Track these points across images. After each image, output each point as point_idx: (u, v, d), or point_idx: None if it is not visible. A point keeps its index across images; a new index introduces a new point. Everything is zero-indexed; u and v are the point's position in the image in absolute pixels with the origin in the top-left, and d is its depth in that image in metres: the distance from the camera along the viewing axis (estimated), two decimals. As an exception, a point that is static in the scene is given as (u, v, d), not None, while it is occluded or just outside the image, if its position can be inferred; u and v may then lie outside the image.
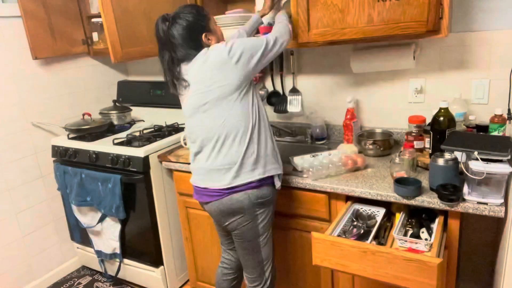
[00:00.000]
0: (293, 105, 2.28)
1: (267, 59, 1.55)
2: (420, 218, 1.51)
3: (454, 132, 1.61)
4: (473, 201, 1.38)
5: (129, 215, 2.29)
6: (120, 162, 2.18)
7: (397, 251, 1.25)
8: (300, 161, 1.81)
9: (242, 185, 1.51)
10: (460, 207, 1.39)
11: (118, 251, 2.39)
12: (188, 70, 1.55)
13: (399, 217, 1.50)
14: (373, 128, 2.11)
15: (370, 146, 1.90)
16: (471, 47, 1.79)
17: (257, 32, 1.99)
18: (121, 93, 2.91)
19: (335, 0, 1.65)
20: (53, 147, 2.48)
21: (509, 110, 1.63)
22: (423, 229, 1.43)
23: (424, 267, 1.19)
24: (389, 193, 1.52)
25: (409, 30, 1.56)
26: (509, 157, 1.32)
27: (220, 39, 1.62)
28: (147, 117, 2.81)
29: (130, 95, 2.87)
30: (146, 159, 2.13)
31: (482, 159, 1.33)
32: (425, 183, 1.52)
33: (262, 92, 2.37)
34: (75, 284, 2.61)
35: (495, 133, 1.64)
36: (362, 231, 1.49)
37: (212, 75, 1.49)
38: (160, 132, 2.44)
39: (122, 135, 2.42)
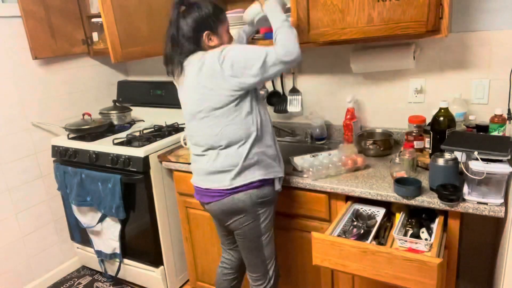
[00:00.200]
0: (293, 105, 2.28)
1: (266, 77, 1.42)
2: (420, 218, 1.51)
3: (454, 132, 1.61)
4: (473, 201, 1.38)
5: (129, 215, 2.29)
6: (120, 162, 2.18)
7: (397, 251, 1.25)
8: (300, 161, 1.82)
9: (243, 186, 1.51)
10: (460, 207, 1.39)
11: (118, 251, 2.39)
12: (185, 70, 1.54)
13: (399, 217, 1.50)
14: (373, 128, 2.11)
15: (370, 146, 1.90)
16: (471, 47, 1.79)
17: (257, 32, 1.98)
18: (121, 93, 2.91)
19: (335, 0, 1.65)
20: (53, 147, 2.48)
21: (509, 110, 1.63)
22: (423, 229, 1.43)
23: (424, 267, 1.19)
24: (389, 193, 1.52)
25: (409, 30, 1.56)
26: (509, 157, 1.31)
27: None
28: (147, 117, 2.81)
29: (130, 95, 2.87)
30: (146, 159, 2.13)
31: (482, 159, 1.33)
32: (425, 183, 1.52)
33: (262, 92, 2.36)
34: (75, 284, 2.60)
35: (495, 133, 1.64)
36: (362, 231, 1.49)
37: (206, 83, 1.46)
38: (160, 132, 2.44)
39: (122, 135, 2.42)
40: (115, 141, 2.30)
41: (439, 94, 1.91)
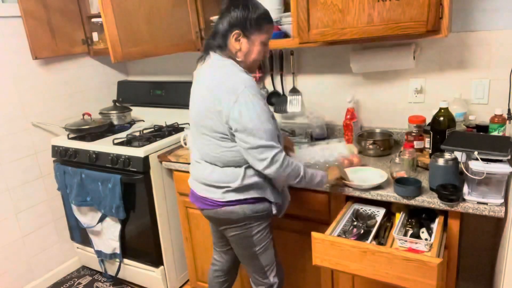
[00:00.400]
0: (293, 105, 2.28)
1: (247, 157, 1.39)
2: (420, 218, 1.51)
3: (454, 132, 1.61)
4: (473, 201, 1.38)
5: (129, 215, 2.29)
6: (120, 162, 2.18)
7: (397, 251, 1.25)
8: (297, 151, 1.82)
9: (236, 200, 1.47)
10: (460, 207, 1.39)
11: (118, 251, 2.39)
12: (203, 68, 1.49)
13: (399, 217, 1.50)
14: (373, 128, 2.11)
15: (370, 146, 1.90)
16: (471, 47, 1.79)
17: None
18: (121, 93, 2.91)
19: (335, 0, 1.65)
20: (53, 147, 2.48)
21: (509, 110, 1.63)
22: (423, 229, 1.43)
23: (424, 267, 1.19)
24: (389, 193, 1.52)
25: (409, 30, 1.55)
26: (509, 157, 1.32)
27: (248, 57, 1.45)
28: (147, 117, 2.81)
29: (130, 95, 2.87)
30: (146, 159, 2.13)
31: (482, 159, 1.33)
32: (425, 183, 1.52)
33: (262, 92, 2.37)
34: (75, 284, 2.60)
35: (495, 133, 1.64)
36: (362, 231, 1.49)
37: (211, 106, 1.40)
38: (160, 132, 2.44)
39: (122, 135, 2.42)
40: (115, 141, 2.30)
41: (439, 94, 1.91)
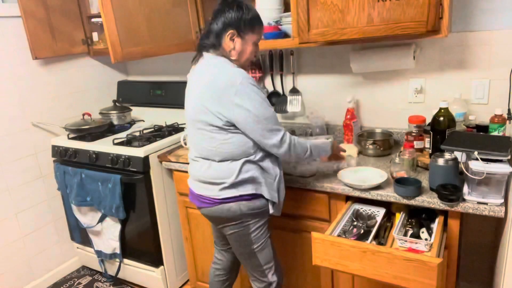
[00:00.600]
0: (293, 105, 2.28)
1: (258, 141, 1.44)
2: (420, 218, 1.51)
3: (454, 132, 1.61)
4: (473, 201, 1.38)
5: (129, 215, 2.29)
6: (120, 162, 2.18)
7: (397, 251, 1.25)
8: None
9: (232, 197, 1.48)
10: (460, 207, 1.39)
11: (118, 251, 2.39)
12: (197, 68, 1.51)
13: (399, 217, 1.50)
14: (373, 128, 2.11)
15: (370, 146, 1.90)
16: (471, 47, 1.79)
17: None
18: (121, 93, 2.91)
19: (335, 0, 1.65)
20: (53, 147, 2.48)
21: (509, 110, 1.63)
22: (423, 229, 1.43)
23: (424, 267, 1.19)
24: (389, 193, 1.52)
25: (409, 30, 1.55)
26: (509, 157, 1.32)
27: (241, 56, 1.49)
28: (147, 117, 2.81)
29: (130, 95, 2.87)
30: (146, 159, 2.13)
31: (482, 159, 1.33)
32: (425, 183, 1.52)
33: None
34: (75, 284, 2.60)
35: (495, 133, 1.64)
36: (362, 231, 1.49)
37: (209, 101, 1.42)
38: (160, 132, 2.44)
39: (122, 135, 2.42)
40: (115, 141, 2.30)
41: (439, 94, 1.91)
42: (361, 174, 1.68)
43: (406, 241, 1.36)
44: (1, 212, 2.33)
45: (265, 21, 1.88)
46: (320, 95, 2.24)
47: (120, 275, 2.51)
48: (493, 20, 1.72)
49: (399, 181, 1.50)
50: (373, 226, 1.48)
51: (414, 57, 1.86)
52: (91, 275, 2.69)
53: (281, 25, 1.98)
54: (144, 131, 2.49)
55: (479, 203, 1.37)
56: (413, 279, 1.22)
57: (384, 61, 1.92)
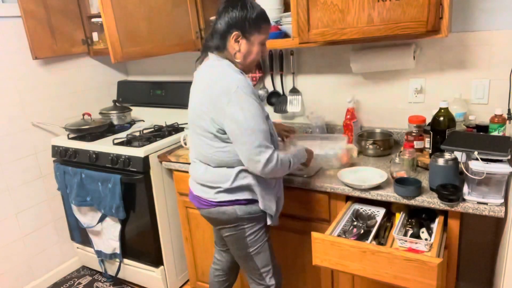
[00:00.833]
0: (293, 105, 2.28)
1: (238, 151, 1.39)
2: (420, 218, 1.51)
3: (454, 132, 1.61)
4: (473, 201, 1.38)
5: (129, 215, 2.29)
6: (120, 162, 2.18)
7: (397, 251, 1.25)
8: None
9: (228, 201, 1.48)
10: (460, 207, 1.39)
11: (118, 251, 2.39)
12: (201, 68, 1.50)
13: (399, 217, 1.50)
14: (373, 128, 2.11)
15: (370, 146, 1.90)
16: (471, 47, 1.79)
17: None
18: (121, 93, 2.91)
19: (335, 0, 1.65)
20: (53, 147, 2.48)
21: (509, 110, 1.63)
22: (423, 229, 1.43)
23: (424, 267, 1.19)
24: (389, 193, 1.52)
25: (409, 30, 1.55)
26: (509, 157, 1.32)
27: (247, 58, 1.44)
28: (147, 117, 2.81)
29: (130, 95, 2.87)
30: (146, 159, 2.13)
31: (482, 159, 1.33)
32: (425, 183, 1.52)
33: (262, 92, 2.37)
34: (75, 284, 2.60)
35: (495, 133, 1.64)
36: (362, 231, 1.49)
37: (204, 107, 1.41)
38: (160, 132, 2.44)
39: (122, 135, 2.42)
40: (115, 141, 2.30)
41: (439, 94, 1.91)
42: (361, 174, 1.68)
43: (406, 241, 1.36)
44: (1, 212, 2.32)
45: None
46: (320, 95, 2.24)
47: (120, 275, 2.51)
48: (493, 20, 1.72)
49: (399, 181, 1.50)
50: (373, 226, 1.48)
51: (414, 57, 1.86)
52: (91, 275, 2.69)
53: (281, 25, 1.98)
54: (144, 131, 2.49)
55: (479, 203, 1.37)
56: (413, 279, 1.22)
57: (384, 61, 1.92)
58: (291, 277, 1.96)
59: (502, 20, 1.70)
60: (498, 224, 1.73)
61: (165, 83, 2.73)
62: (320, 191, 1.68)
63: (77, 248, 2.71)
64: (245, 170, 1.44)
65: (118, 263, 2.46)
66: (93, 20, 2.61)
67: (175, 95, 2.64)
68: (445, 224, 1.46)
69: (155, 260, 2.32)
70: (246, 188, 1.46)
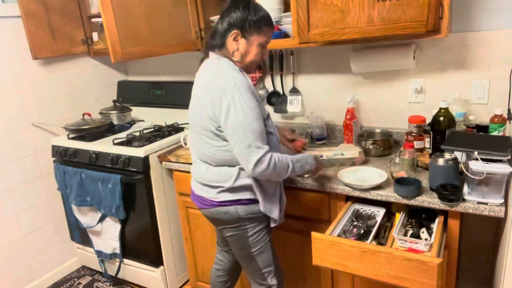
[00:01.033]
0: (293, 105, 2.28)
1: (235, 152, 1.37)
2: (420, 218, 1.51)
3: (454, 132, 1.61)
4: (473, 201, 1.38)
5: (129, 215, 2.29)
6: (120, 162, 2.18)
7: (397, 251, 1.25)
8: None
9: (230, 201, 1.47)
10: (460, 207, 1.39)
11: (118, 251, 2.39)
12: (202, 68, 1.51)
13: (399, 217, 1.50)
14: (373, 128, 2.11)
15: (370, 146, 1.90)
16: (471, 47, 1.79)
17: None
18: (121, 93, 2.91)
19: (335, 0, 1.65)
20: (53, 147, 2.48)
21: (509, 110, 1.63)
22: (423, 229, 1.43)
23: (424, 267, 1.19)
24: (389, 193, 1.52)
25: (409, 30, 1.55)
26: (509, 157, 1.32)
27: (245, 58, 1.44)
28: (147, 117, 2.81)
29: (130, 95, 2.87)
30: (146, 159, 2.13)
31: (482, 159, 1.33)
32: (425, 183, 1.52)
33: (262, 92, 2.37)
34: (75, 284, 2.60)
35: (495, 133, 1.64)
36: (362, 231, 1.49)
37: (202, 105, 1.42)
38: (160, 132, 2.44)
39: (122, 135, 2.42)
40: (115, 141, 2.30)
41: (439, 94, 1.91)
42: (361, 174, 1.68)
43: (406, 241, 1.36)
44: (1, 212, 2.33)
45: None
46: (320, 95, 2.24)
47: (120, 275, 2.51)
48: (493, 20, 1.72)
49: (399, 181, 1.50)
50: (373, 226, 1.48)
51: (414, 57, 1.86)
52: (91, 275, 2.69)
53: (281, 25, 1.98)
54: (144, 131, 2.49)
55: (479, 203, 1.37)
56: (413, 279, 1.22)
57: (384, 61, 1.92)
58: (291, 277, 1.96)
59: (502, 20, 1.70)
60: (498, 224, 1.73)
61: (165, 83, 2.73)
62: (320, 191, 1.68)
63: (77, 248, 2.71)
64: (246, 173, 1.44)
65: (118, 263, 2.46)
66: (93, 20, 2.60)
67: (175, 95, 2.64)
68: (445, 224, 1.46)
69: (155, 260, 2.32)
70: (248, 187, 1.46)
